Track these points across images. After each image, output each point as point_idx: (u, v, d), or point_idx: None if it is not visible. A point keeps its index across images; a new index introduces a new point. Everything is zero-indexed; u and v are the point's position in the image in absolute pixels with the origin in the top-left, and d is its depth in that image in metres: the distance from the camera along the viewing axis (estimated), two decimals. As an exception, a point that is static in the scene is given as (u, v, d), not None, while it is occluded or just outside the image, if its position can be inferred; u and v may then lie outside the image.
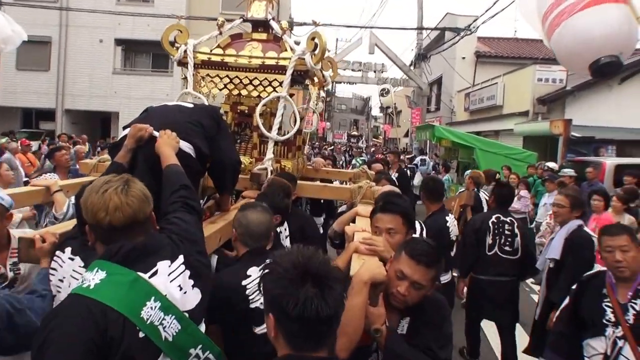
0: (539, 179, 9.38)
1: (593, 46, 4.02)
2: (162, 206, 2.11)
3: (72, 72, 22.09)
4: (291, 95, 4.30)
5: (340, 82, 27.39)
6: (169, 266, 1.75)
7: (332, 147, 20.84)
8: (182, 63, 4.25)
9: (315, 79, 4.54)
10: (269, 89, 4.20)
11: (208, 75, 4.24)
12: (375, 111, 63.49)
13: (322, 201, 5.74)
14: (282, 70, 4.14)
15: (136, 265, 1.67)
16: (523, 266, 4.54)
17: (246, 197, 3.64)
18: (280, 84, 4.13)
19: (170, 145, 2.54)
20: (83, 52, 21.88)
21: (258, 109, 4.04)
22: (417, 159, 17.48)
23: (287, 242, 3.44)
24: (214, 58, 4.23)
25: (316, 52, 4.02)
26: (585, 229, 4.07)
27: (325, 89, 5.46)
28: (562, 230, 3.97)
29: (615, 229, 2.88)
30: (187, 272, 1.79)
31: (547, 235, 5.35)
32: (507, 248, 4.55)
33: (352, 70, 24.59)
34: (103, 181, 1.79)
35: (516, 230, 4.57)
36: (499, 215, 4.65)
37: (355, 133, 50.47)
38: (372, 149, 25.30)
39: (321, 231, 5.43)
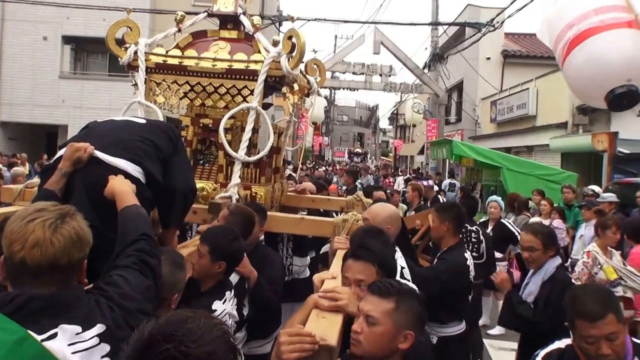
0: (579, 206, 9.39)
1: (609, 71, 4.20)
2: (111, 258, 2.10)
3: (9, 77, 22.17)
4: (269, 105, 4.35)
5: (340, 88, 27.77)
6: (77, 334, 1.67)
7: (329, 167, 20.85)
8: (132, 66, 4.31)
9: (295, 86, 4.59)
10: (238, 98, 4.25)
11: (164, 81, 4.29)
12: (384, 123, 64.07)
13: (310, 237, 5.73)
14: (253, 75, 4.19)
15: (30, 322, 1.59)
16: (487, 267, 6.10)
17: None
18: (252, 92, 4.17)
19: (126, 185, 2.56)
20: (23, 52, 21.95)
21: (222, 123, 4.07)
22: (445, 183, 17.57)
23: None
24: (170, 61, 4.29)
25: (293, 54, 4.07)
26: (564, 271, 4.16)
27: (310, 97, 5.52)
28: (541, 275, 3.95)
29: (598, 307, 2.44)
30: (104, 347, 1.71)
31: (583, 278, 5.33)
32: (474, 254, 6.15)
33: (354, 73, 24.84)
34: (37, 208, 1.79)
35: (481, 237, 6.48)
36: (466, 225, 6.10)
37: (358, 150, 50.79)
38: (381, 170, 25.40)
39: (307, 274, 5.41)
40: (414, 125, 22.65)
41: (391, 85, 24.63)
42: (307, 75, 5.24)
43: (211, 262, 3.08)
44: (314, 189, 6.91)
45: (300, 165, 21.89)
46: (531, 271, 4.12)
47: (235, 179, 4.08)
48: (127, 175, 2.72)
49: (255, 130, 4.60)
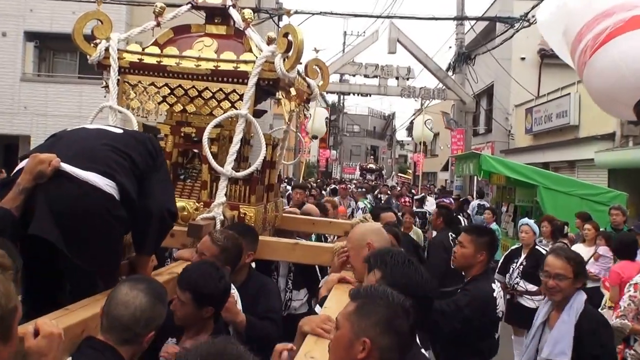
0: (629, 230, 9.39)
1: (636, 78, 4.24)
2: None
3: (-36, 79, 22.38)
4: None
5: (349, 94, 27.96)
6: None
7: (333, 187, 20.86)
8: (103, 65, 4.40)
9: (292, 91, 4.67)
10: (226, 104, 4.33)
11: (140, 83, 4.39)
12: (402, 134, 64.24)
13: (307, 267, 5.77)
14: (243, 78, 4.28)
15: None
16: None
17: (180, 260, 3.69)
18: (241, 97, 4.25)
19: None
20: (-21, 51, 22.20)
21: (207, 132, 4.15)
22: (473, 205, 17.62)
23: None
24: (147, 59, 4.39)
25: (289, 53, 4.15)
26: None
27: (310, 103, 5.60)
28: (568, 314, 3.93)
29: None
30: None
31: (630, 315, 5.33)
32: None
33: (366, 76, 25.07)
34: None
35: None
36: (451, 233, 7.57)
37: (372, 165, 50.79)
38: (398, 188, 25.42)
39: (305, 309, 5.45)
40: (424, 144, 22.74)
41: (409, 90, 24.80)
42: (308, 78, 5.32)
43: (196, 309, 3.09)
44: (317, 211, 6.95)
45: (311, 183, 21.93)
46: (545, 302, 4.13)
47: (221, 197, 4.15)
48: (99, 191, 2.79)
49: (245, 141, 4.69)
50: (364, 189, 21.10)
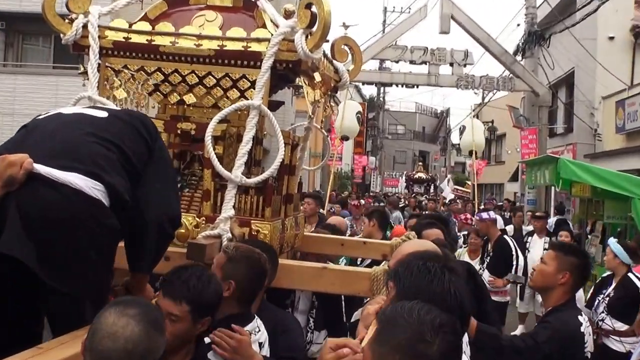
0: None
1: None
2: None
3: None
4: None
5: (391, 84, 27.86)
6: None
7: (373, 200, 20.81)
8: (80, 47, 4.43)
9: (317, 76, 4.67)
10: (234, 93, 4.34)
11: (126, 68, 4.42)
12: (458, 136, 63.82)
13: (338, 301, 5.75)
14: (255, 60, 4.29)
15: None
16: None
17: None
18: (253, 84, 4.27)
19: None
20: None
21: (210, 129, 4.16)
22: (551, 222, 17.43)
23: None
24: (135, 38, 4.42)
25: (313, 29, 4.15)
26: None
27: (338, 92, 5.60)
28: None
29: None
30: None
31: None
32: None
33: (412, 62, 25.04)
34: None
35: None
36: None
37: (421, 175, 50.64)
38: (453, 202, 25.28)
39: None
40: (473, 153, 22.17)
41: (467, 80, 24.73)
42: (335, 62, 5.31)
43: (192, 323, 3.16)
44: (346, 224, 6.95)
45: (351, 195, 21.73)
46: None
47: (228, 210, 4.15)
48: (82, 196, 2.81)
49: (257, 141, 4.68)
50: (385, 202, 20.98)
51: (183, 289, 3.14)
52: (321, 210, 11.40)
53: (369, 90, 61.57)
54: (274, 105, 5.25)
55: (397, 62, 25.73)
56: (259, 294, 3.88)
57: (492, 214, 13.02)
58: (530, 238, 14.49)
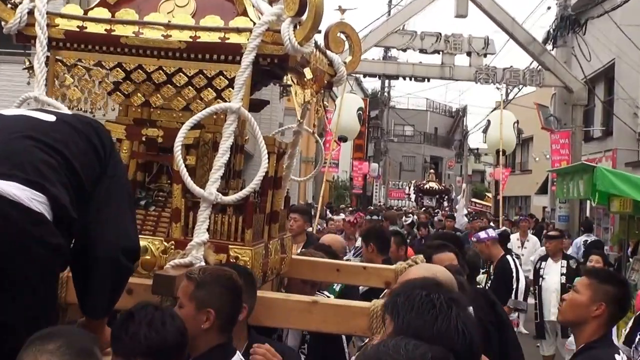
0: None
1: None
2: None
3: None
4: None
5: (397, 77, 27.87)
6: None
7: (366, 214, 20.84)
8: (25, 37, 4.42)
9: (307, 72, 4.67)
10: (209, 93, 4.35)
11: (80, 63, 4.41)
12: (477, 139, 63.80)
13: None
14: (234, 54, 4.29)
15: None
16: None
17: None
18: (231, 83, 4.27)
19: None
20: None
21: (181, 136, 4.15)
22: (577, 243, 17.45)
23: None
24: (92, 28, 4.41)
25: (303, 17, 4.16)
26: None
27: (332, 88, 5.61)
28: None
29: None
30: None
31: None
32: None
33: (423, 51, 25.06)
34: None
35: None
36: None
37: (432, 185, 50.74)
38: (477, 218, 25.29)
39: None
40: (500, 154, 21.62)
41: (488, 73, 24.79)
42: (329, 52, 5.30)
43: None
44: (343, 244, 6.94)
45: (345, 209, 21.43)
46: None
47: (201, 233, 4.13)
48: (20, 208, 2.80)
49: (237, 148, 4.69)
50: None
51: (134, 344, 3.12)
52: (309, 229, 11.44)
53: (372, 84, 61.75)
54: (257, 106, 5.25)
55: (404, 50, 25.75)
56: (238, 320, 3.87)
57: (491, 232, 13.01)
58: (543, 263, 14.20)
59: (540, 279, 13.74)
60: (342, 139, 23.24)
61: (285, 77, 4.68)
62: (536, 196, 40.93)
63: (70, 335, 2.50)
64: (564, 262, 13.66)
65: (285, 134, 9.13)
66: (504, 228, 18.96)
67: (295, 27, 4.19)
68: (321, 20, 4.26)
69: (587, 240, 17.36)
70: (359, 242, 14.11)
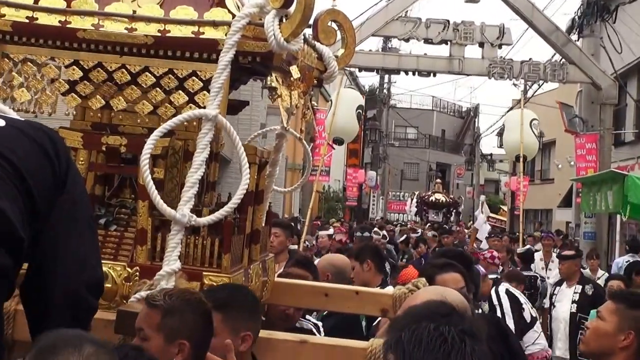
0: None
1: None
2: None
3: None
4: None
5: (398, 71, 27.89)
6: None
7: (349, 230, 20.91)
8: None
9: (294, 71, 4.67)
10: (179, 96, 4.35)
11: (29, 59, 4.41)
12: (491, 143, 63.85)
13: None
14: (209, 51, 4.32)
15: None
16: None
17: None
18: (206, 84, 4.29)
19: None
20: None
21: (149, 145, 4.14)
22: (618, 263, 17.47)
23: None
24: (44, 19, 4.40)
25: (291, 9, 4.17)
26: None
27: (321, 86, 5.60)
28: None
29: None
30: None
31: None
32: None
33: (427, 41, 25.07)
34: None
35: None
36: None
37: (439, 197, 50.55)
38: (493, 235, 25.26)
39: None
40: (522, 159, 21.35)
41: (503, 66, 24.83)
42: (319, 45, 5.29)
43: None
44: (348, 266, 6.94)
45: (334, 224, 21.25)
46: None
47: (172, 261, 4.12)
48: None
49: (212, 156, 4.68)
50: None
51: None
52: (292, 246, 11.44)
53: (368, 80, 61.80)
54: (235, 107, 5.25)
55: (407, 40, 25.78)
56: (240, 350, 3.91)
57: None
58: (558, 288, 14.23)
59: (552, 306, 13.81)
60: (338, 141, 22.82)
61: (269, 78, 4.67)
62: (559, 209, 41.00)
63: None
64: (579, 288, 13.47)
65: (268, 135, 9.10)
66: (527, 246, 19.01)
67: (281, 20, 4.21)
68: (312, 12, 4.28)
69: (629, 261, 17.14)
70: None
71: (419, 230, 29.25)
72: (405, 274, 9.99)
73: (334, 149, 28.87)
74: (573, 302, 13.09)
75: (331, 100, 21.36)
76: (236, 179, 21.65)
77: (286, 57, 4.45)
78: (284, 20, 4.21)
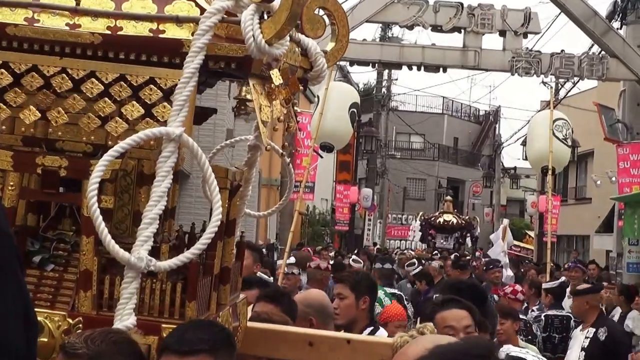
0: None
1: None
2: None
3: None
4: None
5: (400, 65, 27.83)
6: None
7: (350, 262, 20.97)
8: None
9: (275, 77, 4.70)
10: (133, 109, 4.37)
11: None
12: (514, 153, 63.78)
13: None
14: (172, 54, 4.34)
15: None
16: None
17: None
18: (167, 95, 4.32)
19: None
20: None
21: (98, 170, 4.16)
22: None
23: None
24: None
25: (274, 3, 4.21)
26: None
27: (306, 88, 5.63)
28: None
29: None
30: None
31: None
32: None
33: (436, 28, 25.09)
34: None
35: None
36: None
37: (449, 218, 50.36)
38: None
39: None
40: (551, 172, 20.76)
41: (529, 59, 24.91)
42: (304, 38, 5.29)
43: None
44: (326, 303, 7.01)
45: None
46: None
47: (126, 316, 4.12)
48: None
49: (175, 178, 4.70)
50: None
51: None
52: (263, 275, 11.46)
53: (363, 76, 61.59)
54: (199, 116, 5.27)
55: (410, 28, 25.86)
56: None
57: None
58: (575, 331, 14.34)
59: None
60: (327, 147, 22.04)
61: (244, 88, 4.69)
62: (597, 235, 40.98)
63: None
64: (591, 331, 13.41)
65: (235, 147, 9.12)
66: (562, 279, 18.99)
67: (262, 17, 4.23)
68: (301, 9, 4.30)
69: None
70: None
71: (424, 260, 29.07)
72: (388, 312, 10.05)
73: (321, 157, 28.53)
74: (582, 349, 13.17)
75: (318, 97, 20.95)
76: (197, 197, 21.64)
77: (265, 62, 4.46)
78: (265, 16, 4.23)
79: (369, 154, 57.25)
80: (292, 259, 17.23)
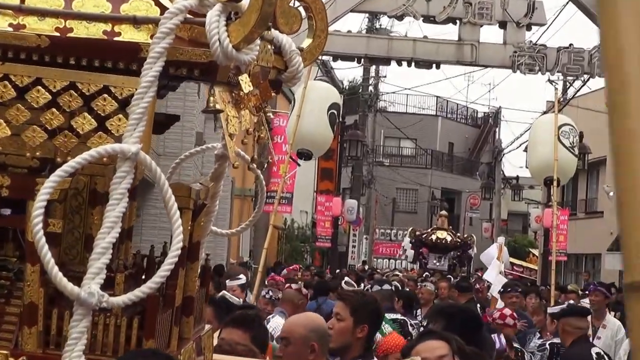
0: None
1: None
2: None
3: None
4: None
5: (389, 61, 27.85)
6: None
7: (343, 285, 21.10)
8: None
9: (245, 84, 4.70)
10: (84, 121, 4.37)
11: None
12: (516, 161, 63.78)
13: None
14: (127, 60, 4.36)
15: None
16: None
17: None
18: (123, 107, 4.32)
19: None
20: None
21: (43, 193, 4.15)
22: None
23: None
24: None
25: (242, 3, 4.22)
26: None
27: (280, 90, 5.64)
28: None
29: None
30: None
31: None
32: None
33: (428, 19, 25.12)
34: None
35: None
36: None
37: (443, 235, 50.19)
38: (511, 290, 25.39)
39: None
40: (556, 184, 20.42)
41: (533, 54, 24.96)
42: (278, 34, 5.28)
43: None
44: (319, 322, 7.08)
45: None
46: None
47: (75, 355, 4.13)
48: None
49: (132, 196, 4.69)
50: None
51: None
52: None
53: (348, 73, 61.63)
54: (161, 124, 5.29)
55: (400, 18, 25.92)
56: None
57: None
58: None
59: None
60: (304, 155, 21.65)
61: (211, 99, 4.68)
62: (609, 254, 41.01)
63: None
64: None
65: (203, 158, 9.15)
66: (570, 302, 18.96)
67: (228, 18, 4.24)
68: (273, 9, 4.30)
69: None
70: None
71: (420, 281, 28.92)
72: (388, 343, 10.08)
73: (299, 165, 28.30)
74: None
75: (295, 98, 20.87)
76: (162, 209, 21.39)
77: (233, 68, 4.47)
78: (233, 17, 4.24)
79: (354, 161, 57.01)
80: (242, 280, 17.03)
